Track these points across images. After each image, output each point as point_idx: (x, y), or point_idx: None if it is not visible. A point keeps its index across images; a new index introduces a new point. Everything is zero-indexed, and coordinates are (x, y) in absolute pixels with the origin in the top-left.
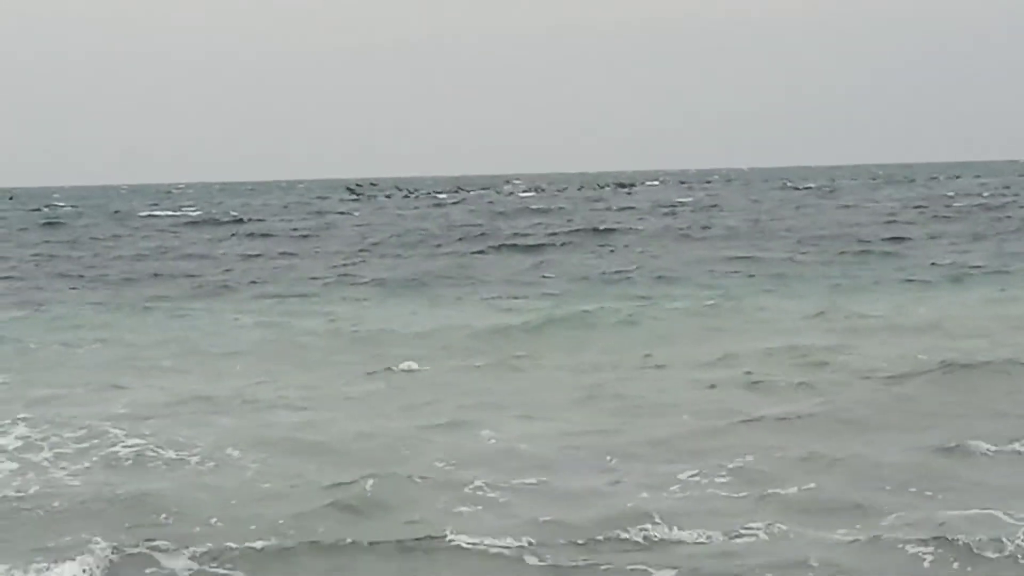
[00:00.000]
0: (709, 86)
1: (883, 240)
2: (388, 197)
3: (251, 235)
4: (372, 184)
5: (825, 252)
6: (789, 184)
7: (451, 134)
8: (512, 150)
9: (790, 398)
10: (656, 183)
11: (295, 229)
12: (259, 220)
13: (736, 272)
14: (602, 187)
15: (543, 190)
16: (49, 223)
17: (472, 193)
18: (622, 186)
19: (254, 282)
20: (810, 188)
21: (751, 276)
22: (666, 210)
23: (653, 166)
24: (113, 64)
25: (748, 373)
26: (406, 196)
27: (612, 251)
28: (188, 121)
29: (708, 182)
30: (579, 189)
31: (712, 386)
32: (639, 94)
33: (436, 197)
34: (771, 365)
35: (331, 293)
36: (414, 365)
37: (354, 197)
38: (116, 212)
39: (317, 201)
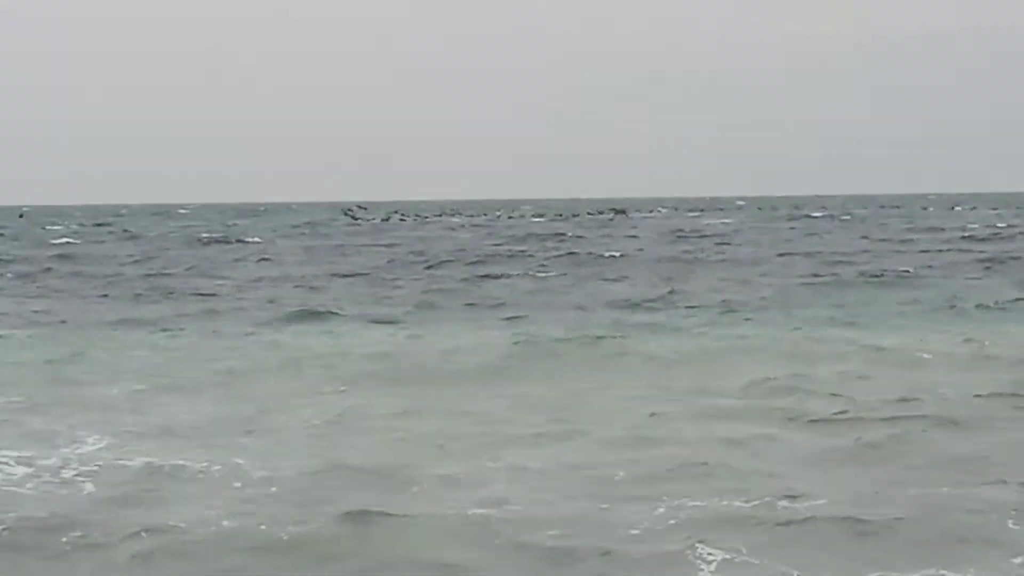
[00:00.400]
0: (708, 115)
1: (901, 269)
2: (386, 220)
3: (266, 257)
4: (361, 207)
5: (842, 278)
6: (800, 212)
7: (438, 160)
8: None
9: (825, 431)
10: (663, 210)
11: (308, 250)
12: (270, 241)
13: (758, 298)
14: (592, 215)
15: (541, 216)
16: (65, 242)
17: (475, 217)
18: (619, 212)
19: (271, 301)
20: (816, 217)
21: (768, 301)
22: (676, 236)
23: (650, 194)
24: (110, 76)
25: (774, 404)
26: (402, 219)
27: (625, 277)
28: (184, 140)
29: (713, 209)
30: (581, 215)
31: (733, 415)
32: (633, 124)
33: (429, 221)
34: (800, 394)
35: (348, 311)
36: (436, 388)
37: (354, 221)
38: (125, 231)
39: (324, 224)
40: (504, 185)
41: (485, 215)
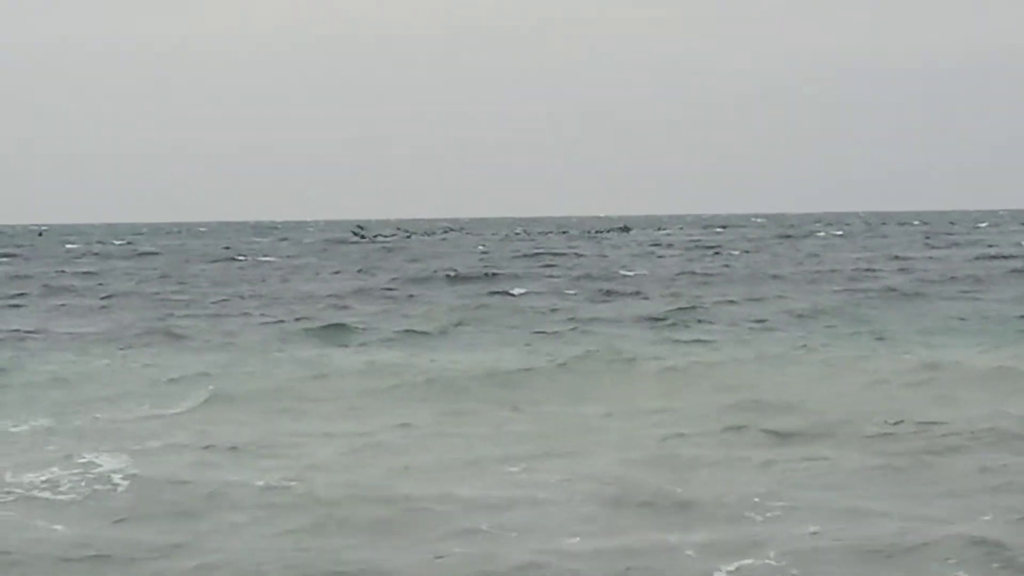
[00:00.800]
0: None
1: (929, 282)
2: (392, 236)
3: (290, 273)
4: (359, 227)
5: (872, 293)
6: (819, 229)
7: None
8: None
9: (868, 448)
10: (681, 228)
11: (330, 266)
12: (292, 257)
13: (786, 313)
14: (604, 232)
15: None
16: (86, 260)
17: (483, 235)
18: (625, 229)
19: (298, 318)
20: (837, 235)
21: (797, 318)
22: (699, 253)
23: (665, 211)
24: (118, 100)
25: (813, 420)
26: (407, 236)
27: (650, 294)
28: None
29: (731, 226)
30: (596, 232)
31: (772, 432)
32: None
33: (445, 238)
34: (837, 411)
35: (374, 327)
36: (465, 405)
37: (362, 239)
38: (146, 249)
39: (342, 241)
40: (508, 203)
41: (494, 233)
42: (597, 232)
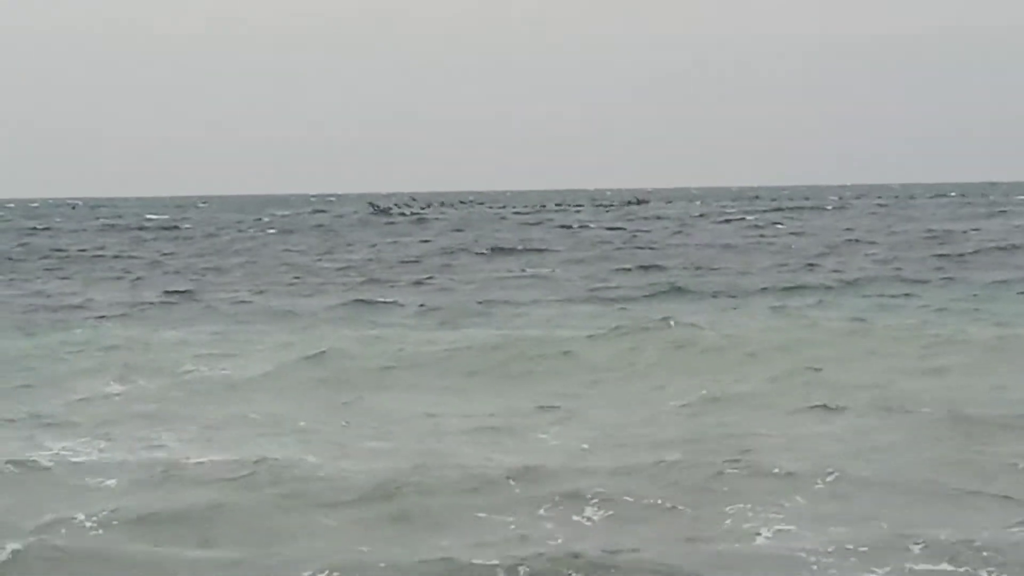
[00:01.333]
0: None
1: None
2: (409, 209)
3: (328, 247)
4: (371, 203)
5: (913, 263)
6: (849, 198)
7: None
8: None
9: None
10: (695, 201)
11: (362, 239)
12: (324, 229)
13: (848, 284)
14: (628, 204)
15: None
16: (120, 232)
17: (504, 208)
18: (640, 202)
19: (342, 291)
20: (874, 204)
21: (843, 285)
22: (734, 227)
23: (657, 184)
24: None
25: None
26: (425, 207)
27: (692, 265)
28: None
29: (755, 198)
30: (613, 204)
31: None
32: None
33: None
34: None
35: (415, 301)
36: (512, 382)
37: (378, 210)
38: (176, 225)
39: (370, 216)
40: (528, 177)
41: (515, 209)
42: (611, 205)
